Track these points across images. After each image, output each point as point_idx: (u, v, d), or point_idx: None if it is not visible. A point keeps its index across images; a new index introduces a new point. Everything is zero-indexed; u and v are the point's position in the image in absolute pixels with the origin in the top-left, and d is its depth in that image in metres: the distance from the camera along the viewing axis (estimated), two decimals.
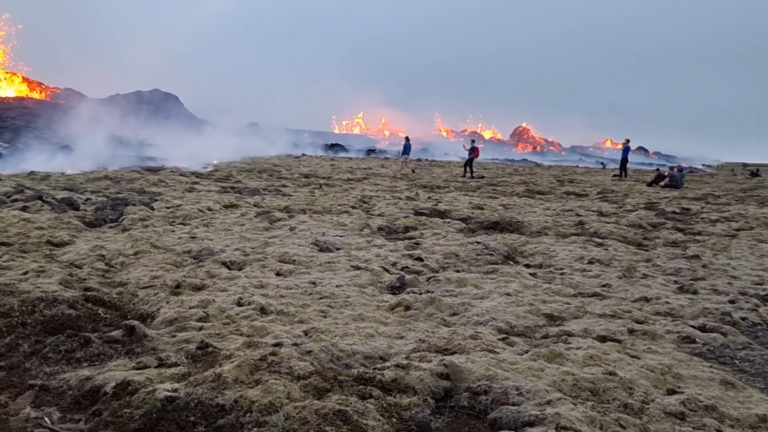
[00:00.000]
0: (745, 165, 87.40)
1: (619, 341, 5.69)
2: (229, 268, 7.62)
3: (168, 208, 11.95)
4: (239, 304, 6.03)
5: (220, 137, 48.98)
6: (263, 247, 8.82)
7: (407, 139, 34.06)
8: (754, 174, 45.70)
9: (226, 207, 12.81)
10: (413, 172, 31.98)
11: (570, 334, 5.83)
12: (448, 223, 12.56)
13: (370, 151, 70.85)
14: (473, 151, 31.55)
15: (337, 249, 9.19)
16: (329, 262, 8.18)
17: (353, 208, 14.42)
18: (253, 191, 16.90)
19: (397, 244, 9.75)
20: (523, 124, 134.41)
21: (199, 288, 6.56)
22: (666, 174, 26.89)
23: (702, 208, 17.60)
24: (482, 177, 30.47)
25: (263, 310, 5.92)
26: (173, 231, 9.70)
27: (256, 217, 11.50)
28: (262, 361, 4.42)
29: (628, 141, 34.93)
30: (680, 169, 28.44)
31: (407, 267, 8.28)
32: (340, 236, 10.19)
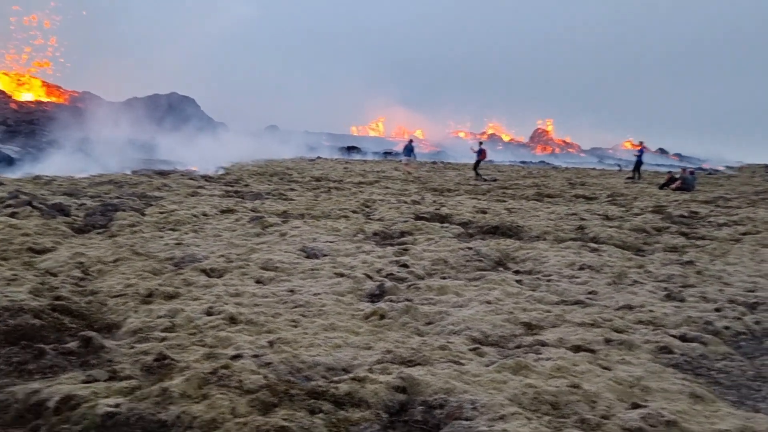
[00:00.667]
0: (767, 167, 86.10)
1: (593, 351, 5.56)
2: (209, 276, 7.57)
3: (161, 213, 11.94)
4: (209, 314, 5.96)
5: (236, 140, 49.30)
6: (248, 254, 8.77)
7: (410, 141, 34.09)
8: None
9: (222, 212, 12.79)
10: (403, 173, 31.95)
11: (544, 344, 5.70)
12: (446, 228, 12.44)
13: (387, 154, 70.78)
14: (481, 153, 31.46)
15: (324, 255, 9.12)
16: (313, 269, 8.10)
17: (353, 212, 14.34)
18: (256, 195, 16.90)
19: (386, 250, 9.65)
20: (543, 126, 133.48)
21: (171, 296, 6.51)
22: (678, 176, 26.57)
23: (711, 211, 17.30)
24: (495, 180, 30.30)
25: (233, 320, 5.85)
26: (161, 237, 9.68)
27: (249, 222, 11.46)
28: (212, 375, 4.34)
29: (642, 143, 34.59)
30: (692, 172, 28.02)
31: (392, 274, 8.17)
32: (331, 242, 10.12)
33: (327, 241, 10.14)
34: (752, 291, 7.83)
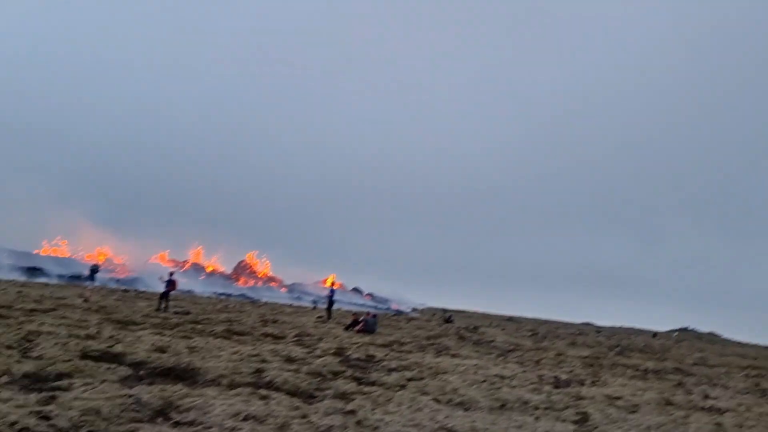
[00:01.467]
0: (445, 311, 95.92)
1: None
2: None
3: None
4: None
5: None
6: None
7: (96, 264, 32.41)
8: (447, 320, 49.94)
9: None
10: (86, 300, 29.95)
11: None
12: (113, 369, 11.48)
13: (75, 278, 65.40)
14: (170, 284, 30.66)
15: None
16: None
17: (8, 348, 12.64)
18: None
19: (29, 398, 8.51)
20: (247, 259, 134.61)
21: None
22: (360, 319, 28.15)
23: (386, 355, 18.36)
24: (188, 313, 29.35)
25: None
26: None
27: None
28: None
29: (334, 282, 36.35)
30: (374, 315, 29.95)
31: (27, 428, 7.16)
32: None
33: None
34: None
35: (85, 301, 29.62)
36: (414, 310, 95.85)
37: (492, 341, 31.13)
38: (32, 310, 22.51)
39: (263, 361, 14.53)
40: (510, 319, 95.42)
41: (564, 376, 17.20)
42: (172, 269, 39.85)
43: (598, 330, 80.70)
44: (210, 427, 8.12)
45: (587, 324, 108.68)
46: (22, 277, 58.21)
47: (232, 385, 11.20)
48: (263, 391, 10.69)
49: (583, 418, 11.31)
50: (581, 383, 16.23)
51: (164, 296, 30.39)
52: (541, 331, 53.33)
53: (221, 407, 9.10)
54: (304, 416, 9.16)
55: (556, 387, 15.08)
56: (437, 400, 11.71)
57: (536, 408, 11.95)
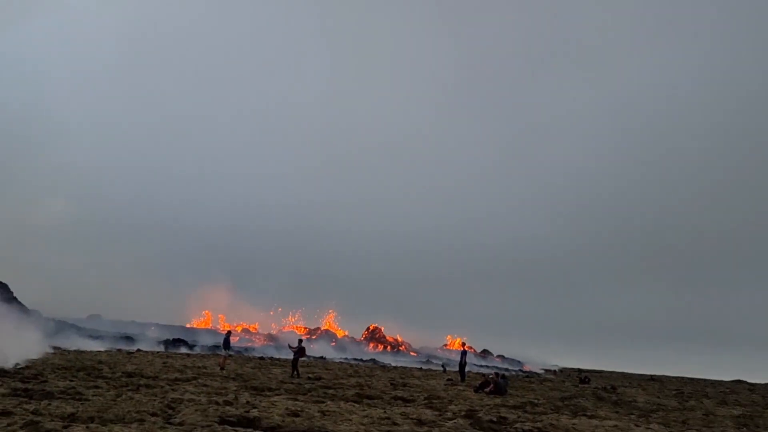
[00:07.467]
0: (580, 371, 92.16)
1: None
2: None
3: None
4: None
5: (48, 329, 45.79)
6: None
7: (228, 332, 33.44)
8: (583, 381, 47.84)
9: None
10: (222, 369, 30.81)
11: None
12: None
13: (215, 347, 68.27)
14: (299, 351, 31.30)
15: None
16: None
17: (153, 415, 13.33)
18: (47, 394, 15.38)
19: None
20: (376, 324, 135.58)
21: None
22: (490, 379, 27.54)
23: (518, 417, 17.83)
24: (320, 378, 29.84)
25: None
26: None
27: (21, 428, 10.28)
28: None
29: (465, 344, 35.87)
30: (503, 376, 29.18)
31: None
32: None
33: None
34: None
35: (222, 369, 30.73)
36: (546, 370, 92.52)
37: (633, 401, 29.47)
38: (175, 380, 23.69)
39: (394, 423, 14.51)
40: (652, 378, 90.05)
41: None
42: (301, 337, 41.09)
43: (751, 388, 74.44)
44: None
45: (739, 382, 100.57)
46: (165, 349, 61.42)
47: None
48: None
49: None
50: None
51: (295, 362, 31.10)
52: (686, 390, 50.00)
53: None
54: None
55: None
56: None
57: None
